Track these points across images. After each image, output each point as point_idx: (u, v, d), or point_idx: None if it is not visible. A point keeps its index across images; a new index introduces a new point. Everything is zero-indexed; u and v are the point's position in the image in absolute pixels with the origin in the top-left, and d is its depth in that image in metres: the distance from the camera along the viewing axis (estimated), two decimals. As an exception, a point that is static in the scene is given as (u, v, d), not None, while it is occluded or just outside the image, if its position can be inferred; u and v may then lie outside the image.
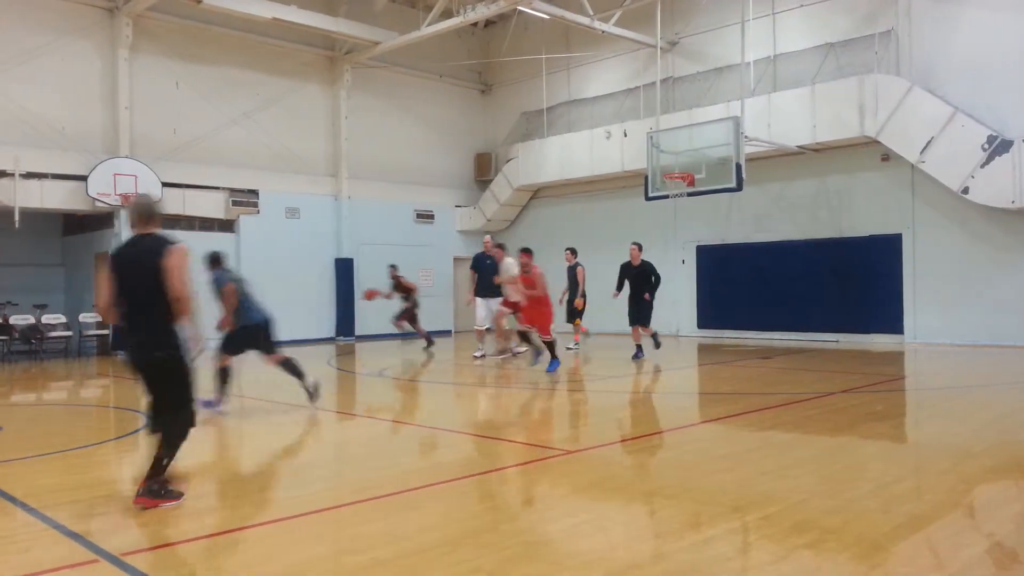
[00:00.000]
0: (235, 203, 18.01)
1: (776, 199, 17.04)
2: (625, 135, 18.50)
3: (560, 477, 5.37)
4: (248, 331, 8.21)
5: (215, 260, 8.59)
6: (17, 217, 15.07)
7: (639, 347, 12.83)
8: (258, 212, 18.39)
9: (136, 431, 7.56)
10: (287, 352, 8.39)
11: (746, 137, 14.67)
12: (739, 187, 14.61)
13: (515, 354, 13.20)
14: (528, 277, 11.20)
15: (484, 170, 22.91)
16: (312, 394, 8.32)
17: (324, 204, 19.78)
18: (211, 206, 17.82)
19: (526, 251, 11.40)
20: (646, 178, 16.16)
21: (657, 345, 13.17)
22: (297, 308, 15.84)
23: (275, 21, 17.30)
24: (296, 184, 19.25)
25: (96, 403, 9.96)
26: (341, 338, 19.51)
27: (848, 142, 15.49)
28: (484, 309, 13.57)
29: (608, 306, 14.21)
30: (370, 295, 15.07)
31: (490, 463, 5.93)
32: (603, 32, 18.00)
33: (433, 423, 7.72)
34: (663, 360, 12.67)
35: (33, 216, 15.73)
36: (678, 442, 6.55)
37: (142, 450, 6.88)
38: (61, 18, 15.94)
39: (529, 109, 21.90)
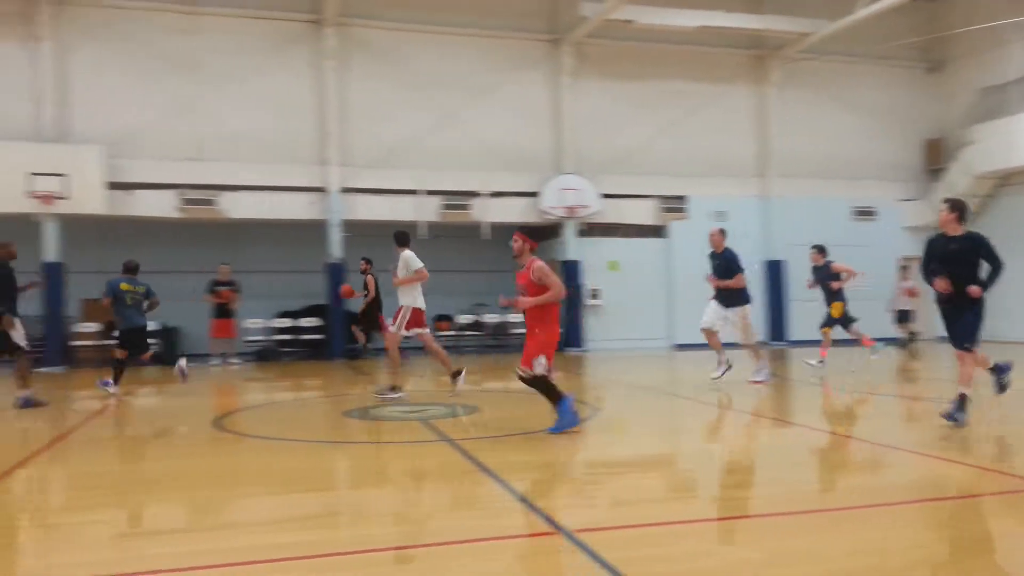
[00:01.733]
0: (665, 210, 18.77)
1: None
2: None
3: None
4: (130, 332, 10.68)
5: (127, 268, 10.77)
6: (486, 231, 17.70)
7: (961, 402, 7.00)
8: (687, 217, 18.88)
9: (585, 419, 8.30)
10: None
11: None
12: None
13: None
14: (524, 274, 7.00)
15: (934, 158, 20.40)
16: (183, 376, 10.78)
17: (751, 205, 19.54)
18: (643, 214, 18.85)
19: (528, 233, 7.12)
20: None
21: (1001, 387, 7.81)
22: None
23: (701, 29, 17.63)
24: (723, 187, 19.34)
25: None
26: (773, 342, 19.03)
27: None
28: (712, 316, 10.81)
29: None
30: (347, 293, 13.36)
31: (944, 489, 5.25)
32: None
33: (874, 438, 7.09)
34: None
35: (497, 229, 18.28)
36: None
37: (591, 436, 7.54)
38: (513, 54, 18.34)
39: (991, 84, 18.91)
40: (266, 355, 17.41)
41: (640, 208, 18.85)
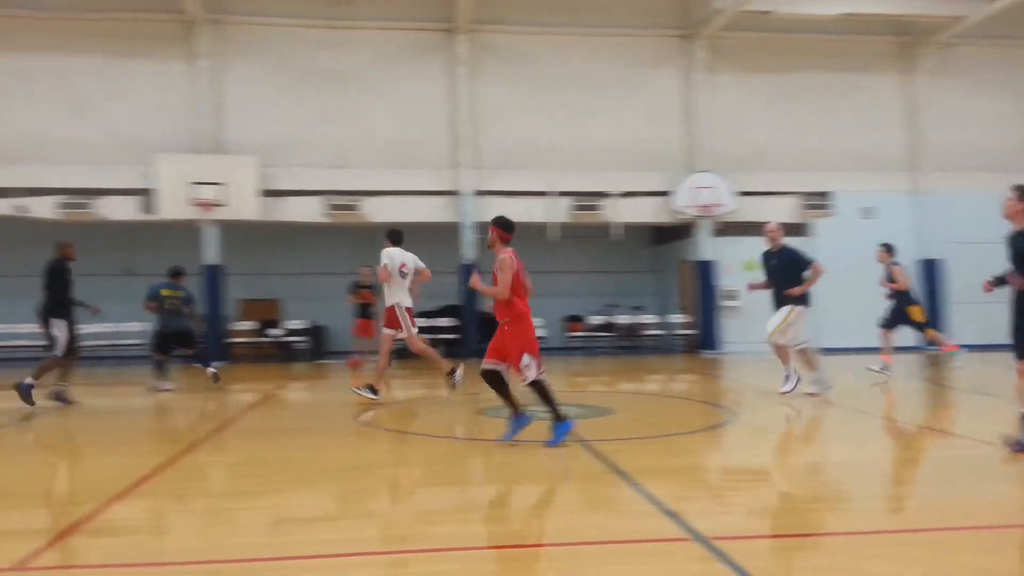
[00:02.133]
0: (807, 207, 17.98)
1: None
2: None
3: None
4: (169, 336, 11.15)
5: (170, 273, 11.33)
6: (617, 231, 17.56)
7: None
8: (831, 215, 18.00)
9: (721, 424, 8.09)
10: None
11: None
12: None
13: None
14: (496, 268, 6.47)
15: (1113, 145, 18.51)
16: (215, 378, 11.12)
17: (902, 201, 18.44)
18: (783, 212, 18.07)
19: (499, 224, 6.62)
20: None
21: None
22: (875, 314, 14.89)
23: (844, 16, 16.77)
24: (870, 182, 18.34)
25: (684, 396, 10.98)
26: (928, 346, 17.80)
27: None
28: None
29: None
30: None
31: None
32: None
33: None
34: None
35: (628, 229, 18.10)
36: None
37: (727, 441, 7.34)
38: (643, 51, 18.15)
39: None
40: (404, 353, 17.97)
41: (779, 206, 18.10)
